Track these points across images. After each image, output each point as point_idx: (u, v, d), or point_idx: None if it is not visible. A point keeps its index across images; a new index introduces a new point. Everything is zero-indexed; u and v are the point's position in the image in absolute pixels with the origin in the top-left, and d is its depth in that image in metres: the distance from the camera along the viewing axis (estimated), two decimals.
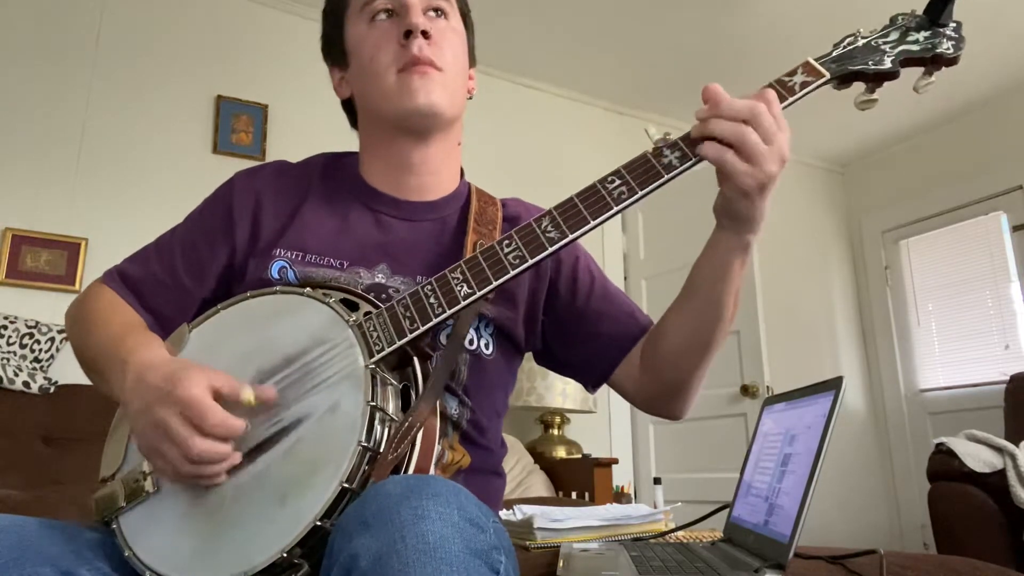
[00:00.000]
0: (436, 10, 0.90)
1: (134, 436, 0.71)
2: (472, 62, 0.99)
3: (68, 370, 2.27)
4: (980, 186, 3.88)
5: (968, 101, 3.86)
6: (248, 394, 0.67)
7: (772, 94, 0.72)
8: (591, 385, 0.99)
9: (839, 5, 3.02)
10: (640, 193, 0.73)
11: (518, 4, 3.06)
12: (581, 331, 0.96)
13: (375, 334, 0.71)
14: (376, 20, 0.89)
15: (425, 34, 0.86)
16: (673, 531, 1.00)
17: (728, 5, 3.11)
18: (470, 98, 0.98)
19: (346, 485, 0.62)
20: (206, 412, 0.65)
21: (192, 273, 0.89)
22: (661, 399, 0.93)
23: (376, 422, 0.65)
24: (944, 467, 2.28)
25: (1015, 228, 3.73)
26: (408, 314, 0.72)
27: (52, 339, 2.31)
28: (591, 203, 0.73)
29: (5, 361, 2.20)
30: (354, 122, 0.99)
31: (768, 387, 3.09)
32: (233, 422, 0.66)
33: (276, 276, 0.85)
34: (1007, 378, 3.06)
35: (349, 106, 0.99)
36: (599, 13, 3.19)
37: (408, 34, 0.86)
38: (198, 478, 0.67)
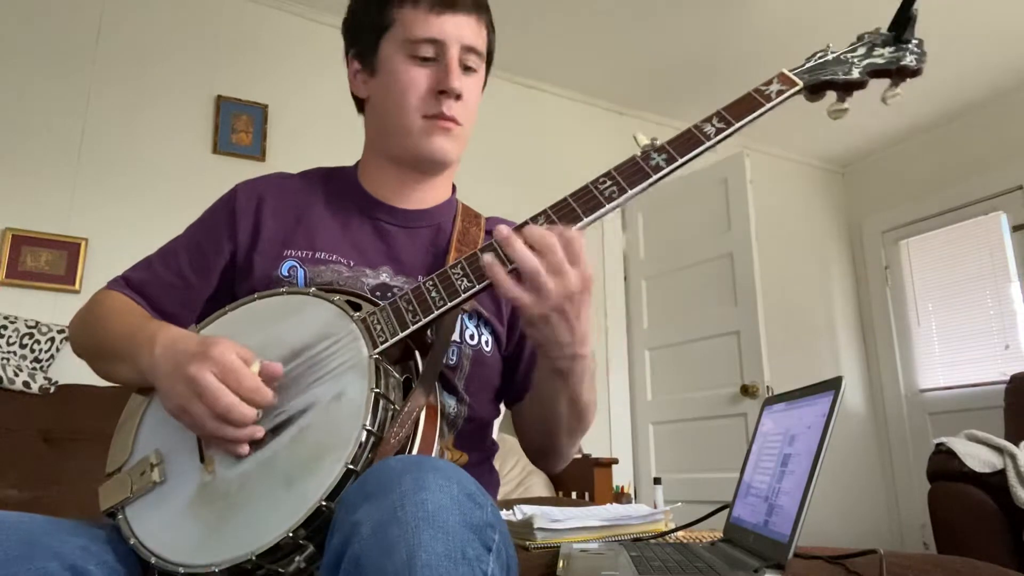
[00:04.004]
0: (467, 68, 0.91)
1: (162, 400, 0.72)
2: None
3: (68, 370, 2.27)
4: (980, 186, 3.88)
5: (968, 101, 3.86)
6: (255, 367, 0.70)
7: (571, 233, 0.71)
8: (505, 400, 1.01)
9: (837, 9, 3.02)
10: (629, 192, 0.77)
11: (518, 4, 3.06)
12: (524, 346, 0.98)
13: (379, 327, 0.74)
14: (415, 59, 0.89)
15: (458, 96, 0.89)
16: (673, 531, 1.00)
17: (728, 6, 3.11)
18: None
19: (351, 467, 0.63)
20: (242, 376, 0.68)
21: (197, 271, 0.92)
22: (529, 451, 1.00)
23: (380, 409, 0.67)
24: (944, 467, 2.27)
25: (1015, 228, 3.73)
26: (411, 307, 0.75)
27: (52, 339, 2.31)
28: (584, 201, 0.77)
29: (5, 361, 2.20)
30: (361, 108, 1.00)
31: (768, 387, 3.08)
32: (266, 390, 0.69)
33: (286, 274, 0.89)
34: (1007, 378, 3.05)
35: (359, 99, 1.00)
36: (600, 14, 3.19)
37: (443, 92, 0.88)
38: (221, 440, 0.68)
